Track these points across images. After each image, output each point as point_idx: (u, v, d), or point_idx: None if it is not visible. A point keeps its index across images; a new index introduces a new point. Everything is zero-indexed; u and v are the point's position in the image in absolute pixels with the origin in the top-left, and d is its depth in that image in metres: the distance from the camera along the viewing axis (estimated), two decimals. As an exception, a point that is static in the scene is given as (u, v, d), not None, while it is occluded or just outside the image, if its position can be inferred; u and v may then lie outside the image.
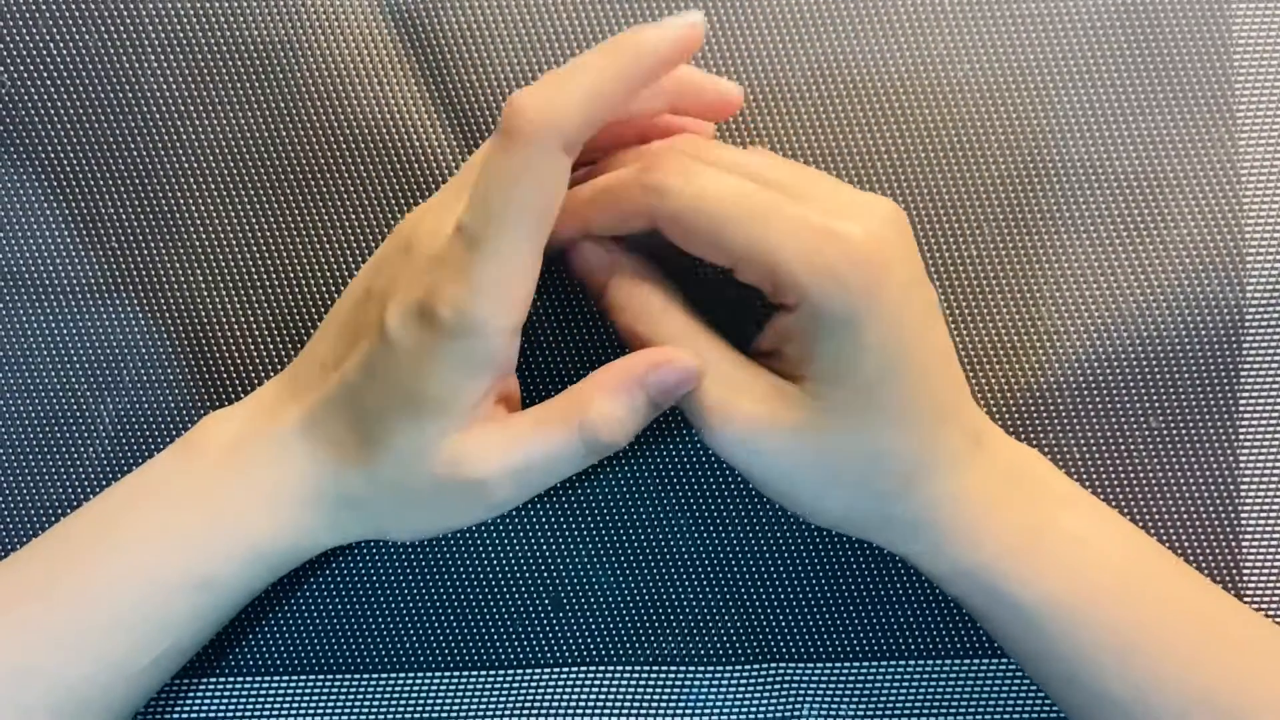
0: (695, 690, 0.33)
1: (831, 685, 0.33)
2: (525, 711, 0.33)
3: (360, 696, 0.33)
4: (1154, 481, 0.33)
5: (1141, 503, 0.33)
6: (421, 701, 0.33)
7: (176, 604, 0.28)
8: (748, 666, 0.33)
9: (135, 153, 0.33)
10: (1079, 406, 0.33)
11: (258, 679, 0.33)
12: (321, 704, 0.33)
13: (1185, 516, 0.33)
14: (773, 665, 0.33)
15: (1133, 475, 0.33)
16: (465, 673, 0.33)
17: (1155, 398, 0.33)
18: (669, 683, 0.33)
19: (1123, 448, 0.33)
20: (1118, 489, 0.33)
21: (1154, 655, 0.27)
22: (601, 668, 0.33)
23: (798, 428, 0.27)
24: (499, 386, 0.27)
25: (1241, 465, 0.33)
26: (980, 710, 0.33)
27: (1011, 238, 0.33)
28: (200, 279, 0.33)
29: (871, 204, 0.26)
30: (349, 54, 0.33)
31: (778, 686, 0.33)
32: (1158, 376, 0.33)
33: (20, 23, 0.33)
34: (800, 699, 0.33)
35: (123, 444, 0.33)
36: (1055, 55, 0.33)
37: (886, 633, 0.33)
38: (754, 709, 0.33)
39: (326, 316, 0.30)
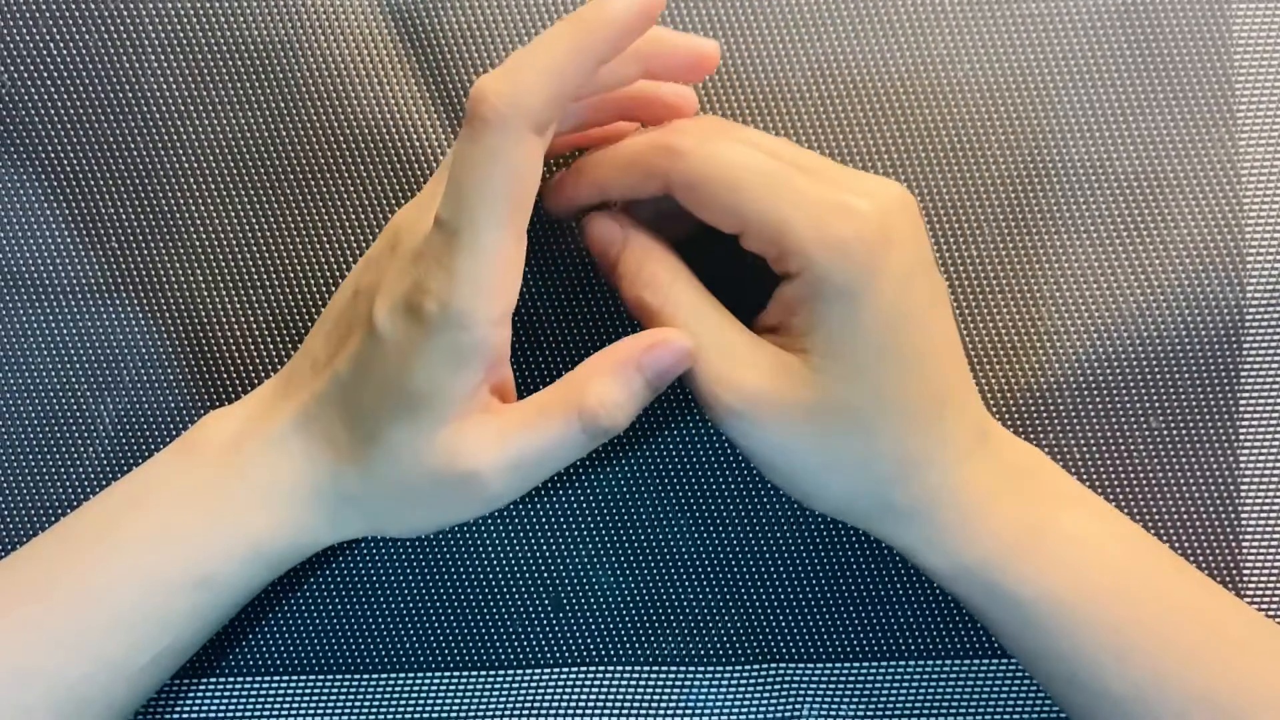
0: (695, 690, 0.33)
1: (831, 685, 0.33)
2: (525, 711, 0.33)
3: (360, 696, 0.33)
4: (1154, 481, 0.33)
5: (1141, 503, 0.33)
6: (421, 701, 0.33)
7: (176, 602, 0.28)
8: (748, 666, 0.33)
9: (135, 153, 0.33)
10: (1079, 406, 0.33)
11: (258, 679, 0.33)
12: (321, 704, 0.33)
13: (1185, 516, 0.33)
14: (773, 665, 0.33)
15: (1133, 475, 0.33)
16: (465, 673, 0.33)
17: (1155, 398, 0.33)
18: (669, 683, 0.33)
19: (1123, 448, 0.33)
20: (1118, 489, 0.33)
21: (1154, 654, 0.27)
22: (601, 668, 0.33)
23: (799, 401, 0.27)
24: (492, 378, 0.27)
25: (1241, 465, 0.33)
26: (980, 710, 0.33)
27: (1011, 238, 0.33)
28: (200, 279, 0.33)
29: (883, 185, 0.27)
30: (349, 54, 0.33)
31: (778, 686, 0.33)
32: (1158, 376, 0.33)
33: (20, 23, 0.33)
34: (800, 699, 0.33)
35: (123, 444, 0.33)
36: (1055, 55, 0.33)
37: (886, 633, 0.33)
38: (754, 709, 0.33)
39: (320, 315, 0.30)
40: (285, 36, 0.33)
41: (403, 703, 0.33)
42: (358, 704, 0.33)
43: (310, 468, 0.28)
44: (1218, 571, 0.33)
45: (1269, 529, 0.33)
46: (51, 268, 0.33)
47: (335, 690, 0.33)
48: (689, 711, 0.33)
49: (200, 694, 0.33)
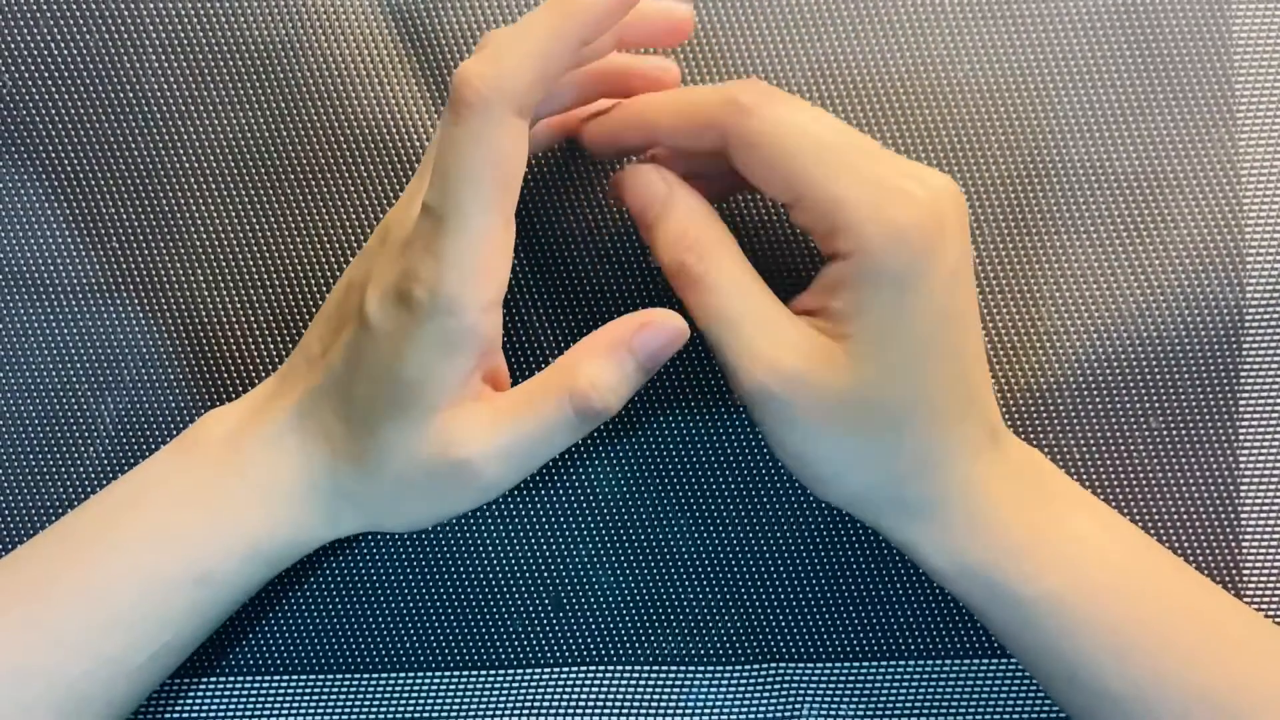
0: (695, 690, 0.33)
1: (831, 685, 0.33)
2: (525, 711, 0.33)
3: (360, 696, 0.33)
4: (1154, 481, 0.33)
5: (1141, 503, 0.33)
6: (421, 701, 0.33)
7: (175, 600, 0.28)
8: (748, 666, 0.33)
9: (135, 153, 0.33)
10: (1079, 406, 0.33)
11: (257, 679, 0.33)
12: (321, 704, 0.33)
13: (1185, 516, 0.33)
14: (773, 665, 0.33)
15: (1133, 475, 0.33)
16: (465, 673, 0.33)
17: (1155, 398, 0.33)
18: (669, 683, 0.33)
19: (1123, 448, 0.33)
20: (1118, 489, 0.33)
21: (1154, 653, 0.27)
22: (601, 668, 0.33)
23: (835, 389, 0.26)
24: (484, 365, 0.27)
25: (1241, 465, 0.33)
26: (980, 710, 0.33)
27: (1011, 238, 0.33)
28: (200, 279, 0.33)
29: (938, 176, 0.26)
30: (349, 54, 0.33)
31: (778, 686, 0.33)
32: (1158, 376, 0.33)
33: (20, 23, 0.33)
34: (800, 699, 0.33)
35: (123, 444, 0.33)
36: (1055, 56, 0.33)
37: (886, 633, 0.33)
38: (754, 709, 0.33)
39: (316, 314, 0.30)
40: (285, 36, 0.33)
41: (403, 703, 0.33)
42: (358, 704, 0.33)
43: (307, 464, 0.28)
44: (1217, 571, 0.33)
45: (1269, 529, 0.33)
46: (51, 268, 0.33)
47: (335, 690, 0.33)
48: (688, 711, 0.33)
49: (200, 693, 0.33)
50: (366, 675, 0.33)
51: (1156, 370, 0.33)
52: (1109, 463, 0.33)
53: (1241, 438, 0.33)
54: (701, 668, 0.33)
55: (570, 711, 0.33)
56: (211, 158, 0.33)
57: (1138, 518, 0.33)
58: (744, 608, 0.33)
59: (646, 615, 0.33)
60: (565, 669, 0.33)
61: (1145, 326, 0.33)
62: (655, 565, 0.33)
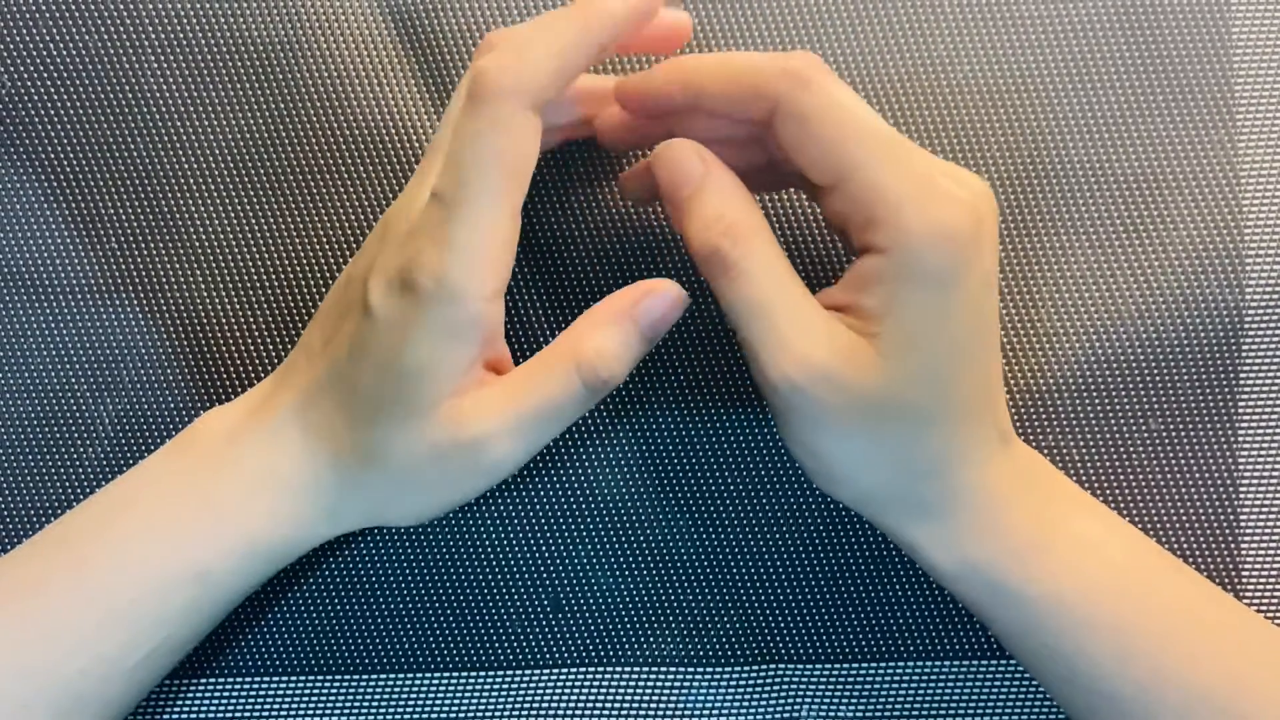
0: (694, 691, 0.33)
1: (831, 686, 0.33)
2: (525, 711, 0.33)
3: (360, 696, 0.33)
4: (1154, 482, 0.33)
5: (1141, 503, 0.33)
6: (421, 701, 0.33)
7: (172, 598, 0.28)
8: (747, 667, 0.33)
9: (135, 153, 0.33)
10: (1079, 407, 0.33)
11: (257, 679, 0.33)
12: (321, 704, 0.33)
13: (1185, 517, 0.33)
14: (772, 666, 0.33)
15: (1133, 475, 0.33)
16: (465, 673, 0.33)
17: (1155, 398, 0.33)
18: (669, 683, 0.33)
19: (1123, 448, 0.33)
20: (1118, 489, 0.33)
21: (1154, 654, 0.27)
22: (601, 668, 0.33)
23: (862, 387, 0.26)
24: (487, 354, 0.27)
25: (1241, 466, 0.33)
26: (980, 711, 0.33)
27: (1011, 238, 0.33)
28: (200, 279, 0.33)
29: (976, 178, 0.26)
30: (349, 54, 0.33)
31: (777, 687, 0.33)
32: (1157, 377, 0.33)
33: (20, 23, 0.33)
34: (800, 699, 0.33)
35: (123, 444, 0.33)
36: (1055, 57, 0.33)
37: (886, 634, 0.33)
38: (753, 709, 0.33)
39: (316, 311, 0.30)
40: (285, 37, 0.33)
41: (403, 703, 0.33)
42: (358, 704, 0.33)
43: (309, 458, 0.28)
44: (1217, 571, 0.33)
45: (1268, 529, 0.33)
46: (51, 268, 0.33)
47: (334, 691, 0.33)
48: (688, 712, 0.33)
49: (199, 694, 0.33)
50: (366, 676, 0.33)
51: (1156, 371, 0.33)
52: (1109, 463, 0.33)
53: (1240, 439, 0.33)
54: (701, 669, 0.33)
55: (570, 712, 0.33)
56: (211, 158, 0.33)
57: (1137, 518, 0.33)
58: (743, 609, 0.33)
59: (646, 616, 0.33)
60: (564, 670, 0.33)
61: (1145, 327, 0.33)
62: (654, 566, 0.33)
